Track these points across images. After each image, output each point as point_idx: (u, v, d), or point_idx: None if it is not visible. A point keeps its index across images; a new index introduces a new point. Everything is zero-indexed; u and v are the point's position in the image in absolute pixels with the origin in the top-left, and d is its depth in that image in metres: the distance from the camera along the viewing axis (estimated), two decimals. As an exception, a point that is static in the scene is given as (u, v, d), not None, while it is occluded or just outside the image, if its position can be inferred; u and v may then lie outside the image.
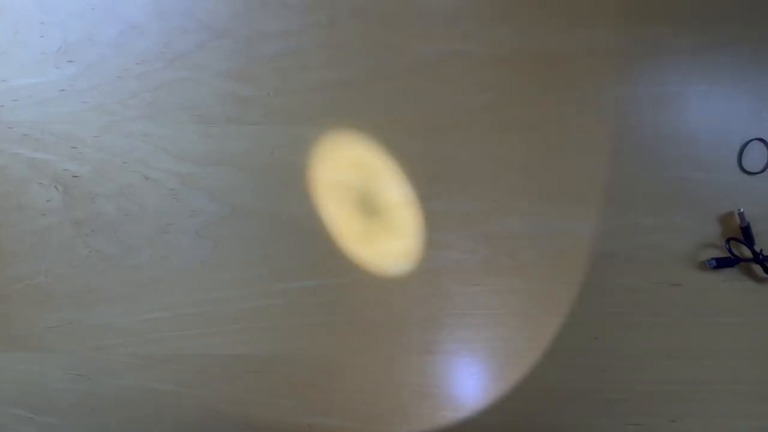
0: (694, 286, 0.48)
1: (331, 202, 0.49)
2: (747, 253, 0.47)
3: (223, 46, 0.48)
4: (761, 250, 0.46)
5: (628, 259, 0.48)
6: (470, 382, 0.49)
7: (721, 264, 0.47)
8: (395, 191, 0.48)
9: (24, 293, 0.50)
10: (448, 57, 0.48)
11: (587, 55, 0.47)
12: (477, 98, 0.48)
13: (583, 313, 0.48)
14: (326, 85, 0.48)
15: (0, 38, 0.49)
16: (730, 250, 0.47)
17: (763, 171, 0.47)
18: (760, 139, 0.47)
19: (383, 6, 0.48)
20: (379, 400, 0.49)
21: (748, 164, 0.47)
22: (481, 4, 0.47)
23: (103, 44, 0.49)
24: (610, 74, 0.47)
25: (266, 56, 0.48)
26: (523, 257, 0.48)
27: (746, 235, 0.46)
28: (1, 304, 0.50)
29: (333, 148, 0.49)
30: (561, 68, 0.47)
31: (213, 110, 0.49)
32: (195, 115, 0.49)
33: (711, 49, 0.47)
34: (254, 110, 0.48)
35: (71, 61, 0.49)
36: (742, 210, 0.46)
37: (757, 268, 0.47)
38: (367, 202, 0.49)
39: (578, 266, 0.48)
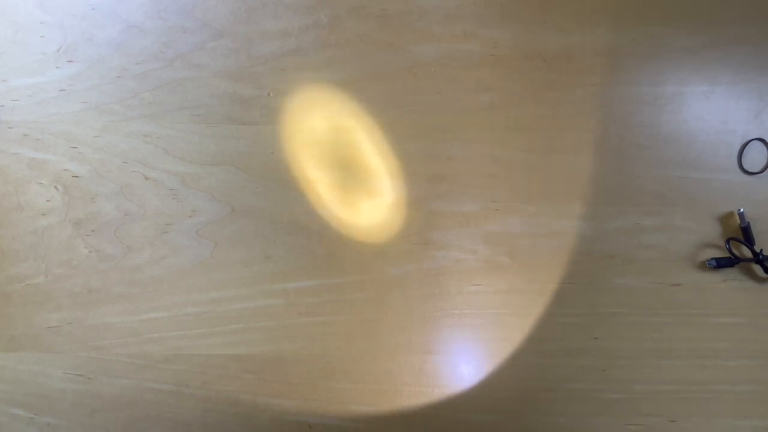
0: (694, 286, 0.48)
1: (331, 201, 0.49)
2: (747, 253, 0.47)
3: (223, 45, 0.48)
4: (761, 250, 0.46)
5: (628, 259, 0.48)
6: (470, 381, 0.49)
7: (721, 264, 0.47)
8: (395, 191, 0.48)
9: (24, 293, 0.50)
10: (448, 57, 0.48)
11: (587, 55, 0.47)
12: (477, 98, 0.48)
13: (583, 313, 0.48)
14: (326, 85, 0.48)
15: (0, 38, 0.49)
16: (730, 250, 0.47)
17: (763, 171, 0.47)
18: (760, 139, 0.47)
19: (383, 6, 0.48)
20: (379, 400, 0.49)
21: (748, 164, 0.47)
22: (481, 4, 0.47)
23: (103, 44, 0.49)
24: (610, 74, 0.47)
25: (266, 56, 0.48)
26: (523, 257, 0.48)
27: (746, 235, 0.46)
28: (1, 304, 0.50)
29: (333, 148, 0.49)
30: (561, 68, 0.47)
31: (213, 110, 0.49)
32: (195, 115, 0.49)
33: (711, 49, 0.47)
34: (254, 110, 0.48)
35: (71, 61, 0.49)
36: (742, 210, 0.46)
37: (757, 268, 0.47)
38: (366, 201, 0.49)
39: (578, 266, 0.48)
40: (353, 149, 0.48)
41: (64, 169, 0.49)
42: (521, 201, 0.48)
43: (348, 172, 0.49)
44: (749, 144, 0.47)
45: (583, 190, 0.48)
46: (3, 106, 0.49)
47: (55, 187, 0.49)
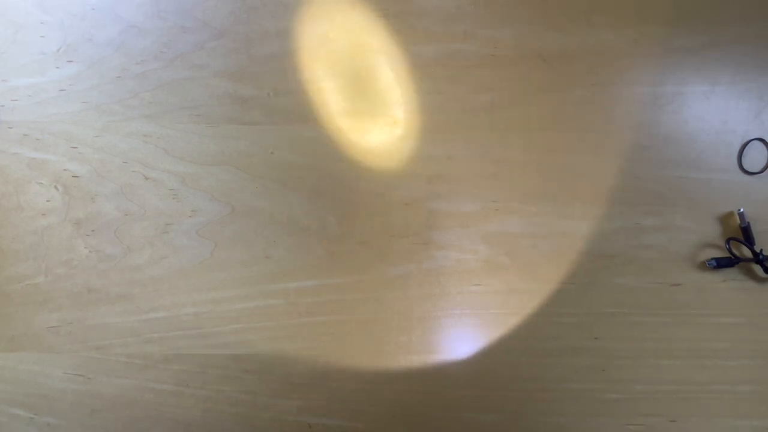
0: (694, 286, 0.48)
1: (332, 201, 0.49)
2: (747, 253, 0.47)
3: (223, 45, 0.48)
4: (761, 250, 0.46)
5: (628, 260, 0.48)
6: (470, 381, 0.48)
7: (721, 264, 0.47)
8: (396, 191, 0.48)
9: (24, 293, 0.50)
10: (448, 57, 0.48)
11: (587, 55, 0.47)
12: (477, 98, 0.48)
13: (583, 313, 0.48)
14: (326, 85, 0.48)
15: (0, 38, 0.49)
16: (730, 250, 0.47)
17: (763, 171, 0.47)
18: (760, 139, 0.47)
19: (383, 6, 0.48)
20: (379, 400, 0.49)
21: (748, 164, 0.47)
22: (481, 4, 0.47)
23: (103, 44, 0.49)
24: (610, 74, 0.47)
25: (266, 56, 0.48)
26: (523, 257, 0.48)
27: (746, 235, 0.46)
28: (1, 304, 0.50)
29: (333, 149, 0.49)
30: (561, 68, 0.47)
31: (213, 110, 0.49)
32: (195, 115, 0.49)
33: (711, 49, 0.47)
34: (254, 110, 0.48)
35: (71, 61, 0.49)
36: (742, 210, 0.46)
37: (757, 268, 0.47)
38: (368, 204, 0.49)
39: (578, 266, 0.48)
40: (352, 149, 0.48)
41: (64, 169, 0.49)
42: (521, 201, 0.48)
43: (348, 172, 0.49)
44: (749, 144, 0.47)
45: (583, 190, 0.48)
46: (3, 106, 0.49)
47: (55, 187, 0.49)
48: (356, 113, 0.48)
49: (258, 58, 0.48)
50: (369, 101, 0.48)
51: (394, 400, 0.49)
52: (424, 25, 0.48)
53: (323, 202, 0.49)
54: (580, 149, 0.48)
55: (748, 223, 0.46)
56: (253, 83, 0.48)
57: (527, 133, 0.48)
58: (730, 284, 0.48)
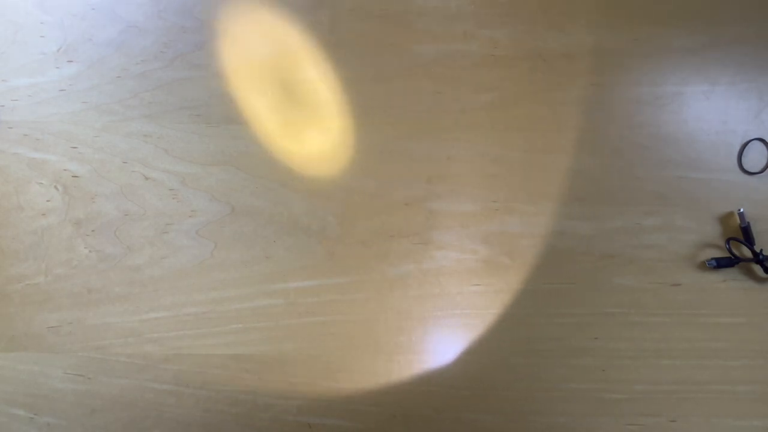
0: (694, 286, 0.48)
1: (332, 201, 0.49)
2: (747, 253, 0.47)
3: (223, 46, 0.48)
4: (761, 250, 0.46)
5: (628, 260, 0.48)
6: (470, 382, 0.48)
7: (721, 264, 0.47)
8: (396, 191, 0.48)
9: (24, 293, 0.50)
10: (448, 57, 0.48)
11: (587, 55, 0.47)
12: (477, 98, 0.48)
13: (583, 313, 0.48)
14: (326, 85, 0.48)
15: (0, 38, 0.49)
16: (730, 250, 0.47)
17: (763, 171, 0.47)
18: (760, 139, 0.47)
19: (383, 6, 0.48)
20: (379, 399, 0.49)
21: (748, 164, 0.47)
22: (481, 4, 0.47)
23: (103, 44, 0.49)
24: (610, 74, 0.47)
25: (266, 56, 0.48)
26: (523, 257, 0.48)
27: (746, 235, 0.46)
28: (1, 304, 0.50)
29: (332, 149, 0.49)
30: (561, 68, 0.47)
31: (213, 110, 0.49)
32: (195, 115, 0.49)
33: (711, 49, 0.47)
34: (254, 110, 0.48)
35: (71, 61, 0.49)
36: (742, 210, 0.46)
37: (757, 268, 0.47)
38: (368, 204, 0.49)
39: (578, 266, 0.48)
40: (352, 149, 0.48)
41: (64, 169, 0.49)
42: (521, 201, 0.48)
43: (348, 172, 0.49)
44: (749, 144, 0.47)
45: (583, 190, 0.48)
46: (3, 106, 0.49)
47: (55, 187, 0.49)
48: (357, 113, 0.48)
49: (258, 59, 0.48)
50: (369, 101, 0.48)
51: (394, 400, 0.49)
52: (424, 25, 0.48)
53: (323, 202, 0.49)
54: (580, 149, 0.48)
55: (748, 223, 0.46)
56: (253, 83, 0.48)
57: (527, 133, 0.48)
58: (730, 284, 0.48)
